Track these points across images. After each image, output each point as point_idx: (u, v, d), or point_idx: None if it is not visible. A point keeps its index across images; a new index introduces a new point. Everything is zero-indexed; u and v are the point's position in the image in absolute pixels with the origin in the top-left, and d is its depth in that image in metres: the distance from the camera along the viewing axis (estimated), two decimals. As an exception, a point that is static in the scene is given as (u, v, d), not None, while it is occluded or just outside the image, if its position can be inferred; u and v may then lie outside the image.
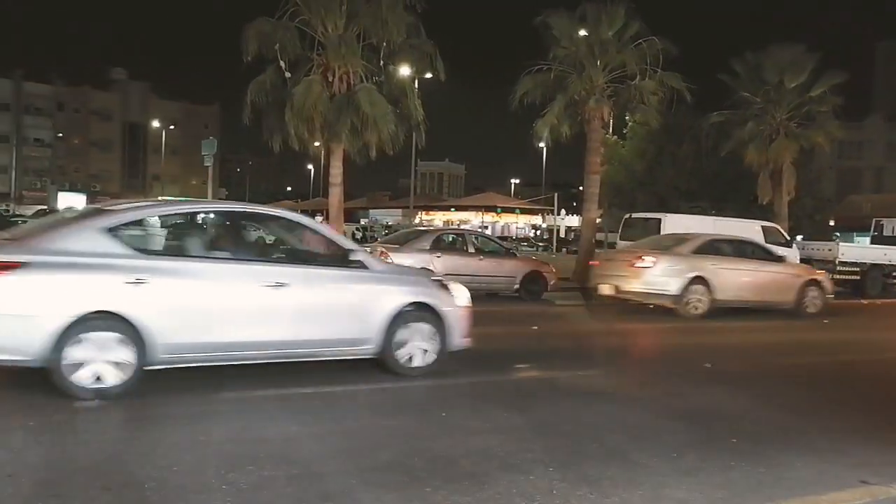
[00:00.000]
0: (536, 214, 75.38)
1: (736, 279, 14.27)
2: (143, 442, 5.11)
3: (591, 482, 4.52)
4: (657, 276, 13.78)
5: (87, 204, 60.09)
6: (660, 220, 19.33)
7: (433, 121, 21.36)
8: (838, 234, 40.78)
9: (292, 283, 6.70)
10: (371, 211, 78.73)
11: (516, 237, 67.80)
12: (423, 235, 17.05)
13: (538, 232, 73.62)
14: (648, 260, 13.93)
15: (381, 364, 7.30)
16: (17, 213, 46.76)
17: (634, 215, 21.47)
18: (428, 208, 76.64)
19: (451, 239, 17.53)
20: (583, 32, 22.14)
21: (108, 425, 5.60)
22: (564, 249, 50.08)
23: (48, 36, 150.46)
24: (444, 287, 7.74)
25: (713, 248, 14.73)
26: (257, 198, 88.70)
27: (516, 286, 16.50)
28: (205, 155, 22.99)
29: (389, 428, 5.74)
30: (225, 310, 6.50)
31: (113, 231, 6.27)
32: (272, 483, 4.29)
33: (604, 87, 22.18)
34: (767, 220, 22.51)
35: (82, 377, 5.83)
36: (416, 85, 21.18)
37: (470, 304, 7.82)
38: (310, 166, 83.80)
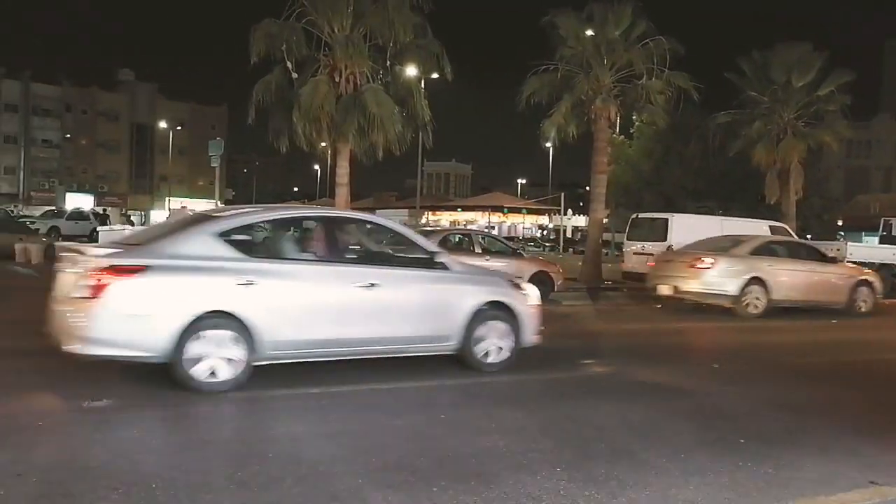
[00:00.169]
0: (543, 214, 75.15)
1: (791, 280, 14.78)
2: (149, 442, 5.12)
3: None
4: (716, 276, 14.28)
5: (94, 205, 60.39)
6: (667, 220, 19.25)
7: (440, 121, 21.36)
8: (842, 233, 40.60)
9: (383, 284, 7.15)
10: (378, 211, 78.58)
11: (523, 237, 67.69)
12: (430, 236, 16.95)
13: (545, 232, 73.49)
14: (708, 261, 14.40)
15: (459, 360, 7.71)
16: (25, 213, 47.03)
17: (641, 215, 21.39)
18: (434, 208, 76.48)
19: (457, 239, 17.53)
20: (589, 32, 22.08)
21: (110, 426, 5.61)
22: (571, 249, 49.90)
23: (56, 37, 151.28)
24: (518, 286, 8.25)
25: (769, 249, 15.33)
26: (264, 198, 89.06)
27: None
28: (212, 155, 23.10)
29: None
30: (323, 309, 6.93)
31: (224, 236, 6.76)
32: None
33: (611, 86, 22.13)
34: (775, 220, 22.42)
35: (199, 371, 6.26)
36: (423, 85, 21.21)
37: (540, 303, 8.25)
38: (316, 166, 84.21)
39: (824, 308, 15.16)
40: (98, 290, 6.04)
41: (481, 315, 7.69)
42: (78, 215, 41.49)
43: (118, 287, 6.09)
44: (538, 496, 4.27)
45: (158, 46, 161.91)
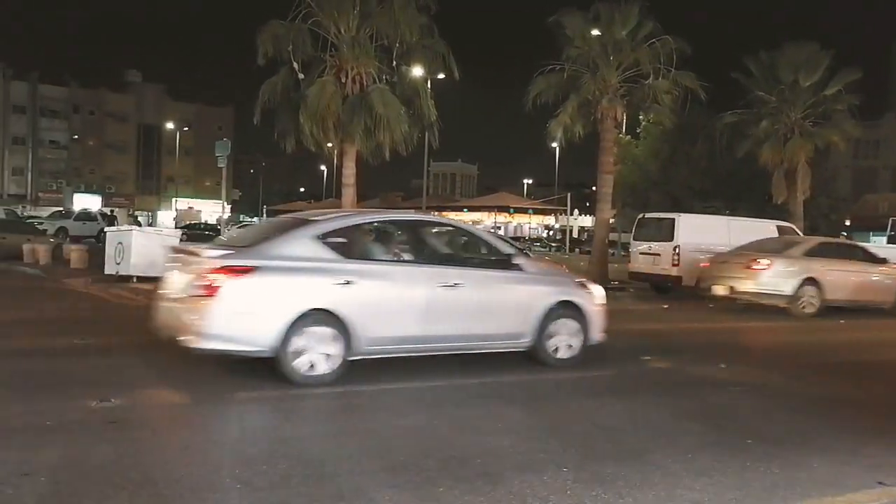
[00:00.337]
0: (549, 215, 75.18)
1: (844, 280, 15.19)
2: (157, 442, 5.13)
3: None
4: (772, 277, 14.70)
5: (101, 206, 60.64)
6: (674, 220, 19.18)
7: (446, 121, 21.39)
8: (845, 233, 40.39)
9: (466, 284, 7.57)
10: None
11: (529, 237, 67.70)
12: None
13: (551, 232, 73.51)
14: (764, 262, 14.80)
15: (532, 356, 8.12)
16: (33, 214, 47.26)
17: (648, 215, 21.33)
18: (440, 208, 76.42)
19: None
20: (596, 32, 22.02)
21: (118, 426, 5.62)
22: (577, 250, 49.93)
23: (63, 39, 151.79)
24: (585, 286, 8.63)
25: (822, 250, 15.86)
26: (270, 198, 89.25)
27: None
28: (218, 156, 23.08)
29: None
30: (412, 307, 7.34)
31: (323, 238, 7.16)
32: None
33: (617, 86, 22.06)
34: (783, 220, 22.32)
35: (300, 365, 6.68)
36: (429, 85, 21.17)
37: (605, 302, 8.67)
38: (323, 167, 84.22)
39: (873, 308, 15.54)
40: (213, 289, 6.46)
41: (553, 313, 8.11)
42: (86, 216, 41.65)
43: (231, 286, 6.52)
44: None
45: (165, 48, 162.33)
